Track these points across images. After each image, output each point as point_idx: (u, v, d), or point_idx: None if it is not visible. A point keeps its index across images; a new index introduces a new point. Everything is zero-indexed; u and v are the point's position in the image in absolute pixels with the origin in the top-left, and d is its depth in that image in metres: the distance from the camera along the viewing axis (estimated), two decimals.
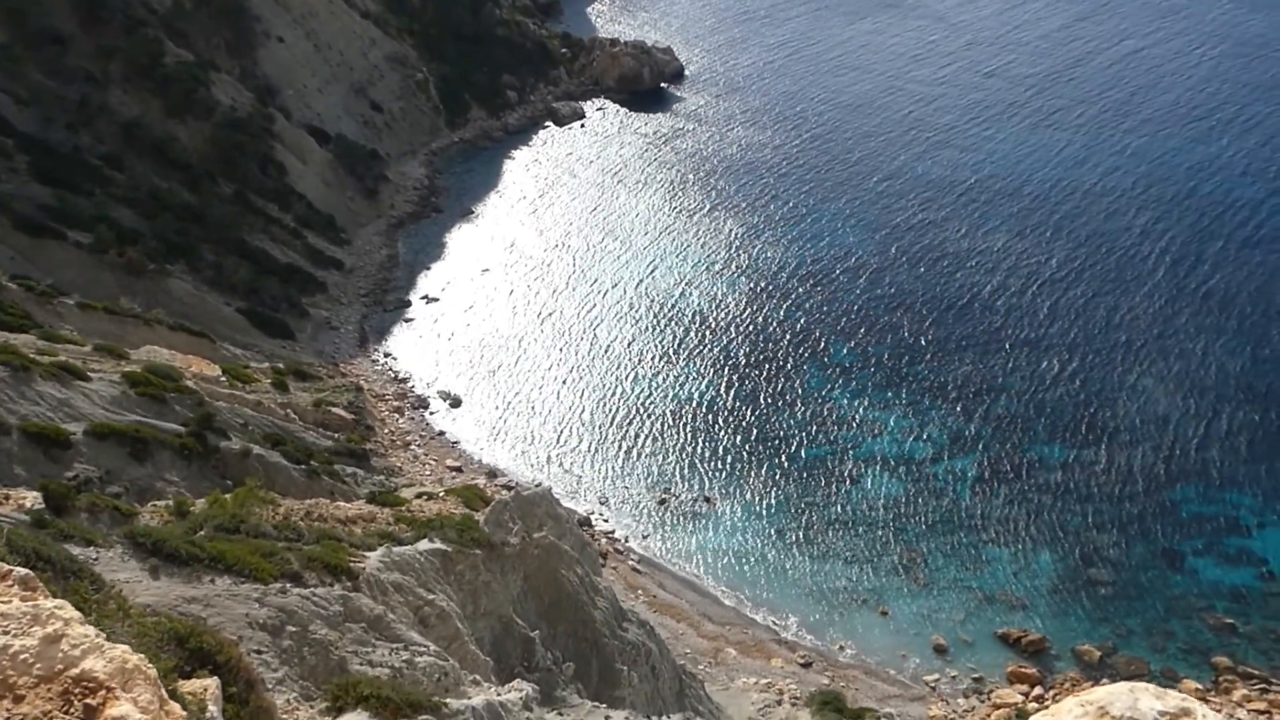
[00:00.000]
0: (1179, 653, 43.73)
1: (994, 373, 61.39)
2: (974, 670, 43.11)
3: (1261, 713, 39.18)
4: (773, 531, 51.18)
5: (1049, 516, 51.02)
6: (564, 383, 62.75)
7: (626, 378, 62.87)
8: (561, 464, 56.37)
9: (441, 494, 37.58)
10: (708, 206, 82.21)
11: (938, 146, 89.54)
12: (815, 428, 57.87)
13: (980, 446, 55.82)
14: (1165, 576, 47.55)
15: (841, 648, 44.49)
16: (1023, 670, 42.56)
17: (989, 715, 39.06)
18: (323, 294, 69.00)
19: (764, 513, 52.35)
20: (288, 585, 22.33)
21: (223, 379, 45.34)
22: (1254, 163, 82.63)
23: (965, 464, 54.74)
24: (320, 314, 67.14)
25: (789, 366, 62.91)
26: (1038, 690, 41.57)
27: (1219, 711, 39.25)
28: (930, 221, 77.87)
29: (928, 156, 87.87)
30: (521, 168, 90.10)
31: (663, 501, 53.23)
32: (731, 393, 60.95)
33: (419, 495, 37.15)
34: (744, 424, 58.42)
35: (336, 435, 49.18)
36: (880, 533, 50.73)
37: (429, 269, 74.56)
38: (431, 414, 59.83)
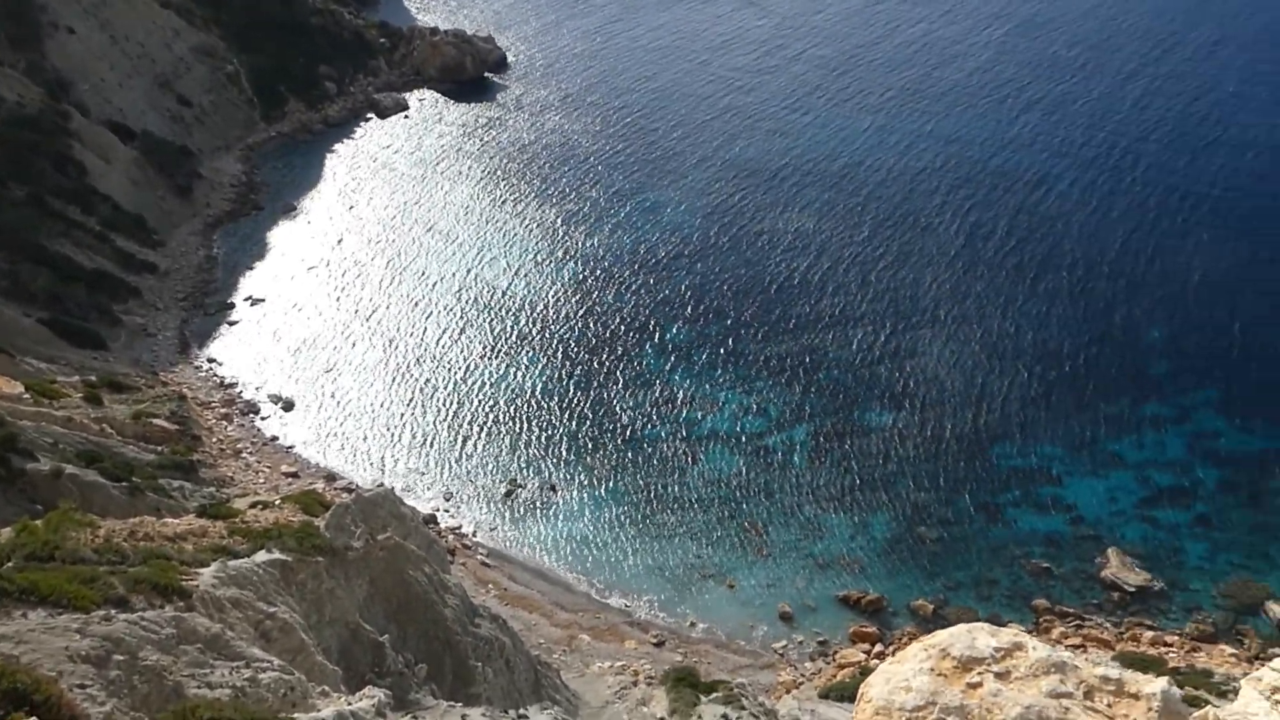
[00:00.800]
0: (1003, 599, 46.80)
1: (817, 346, 63.76)
2: (819, 634, 44.91)
3: (1077, 647, 42.44)
4: (618, 515, 51.75)
5: (878, 480, 53.56)
6: (398, 379, 61.44)
7: (460, 371, 62.11)
8: (402, 462, 55.26)
9: (278, 502, 36.23)
10: (533, 195, 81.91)
11: (750, 129, 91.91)
12: (653, 409, 58.77)
13: (810, 418, 57.98)
14: (986, 529, 50.74)
15: (692, 624, 45.50)
16: (863, 629, 44.64)
17: (835, 675, 40.80)
18: (136, 300, 65.03)
19: (608, 497, 52.85)
20: (112, 612, 21.02)
21: (26, 396, 42.20)
22: (1040, 135, 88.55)
23: (798, 435, 56.76)
24: (135, 321, 63.28)
25: (623, 350, 63.58)
26: (879, 648, 43.69)
27: None
28: (747, 203, 79.95)
29: (742, 139, 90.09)
30: (344, 161, 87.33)
31: (508, 493, 52.95)
32: (568, 379, 61.13)
33: (254, 505, 35.66)
34: (582, 410, 58.72)
35: (160, 448, 46.62)
36: (722, 508, 52.07)
37: (251, 268, 71.42)
38: (263, 419, 57.45)
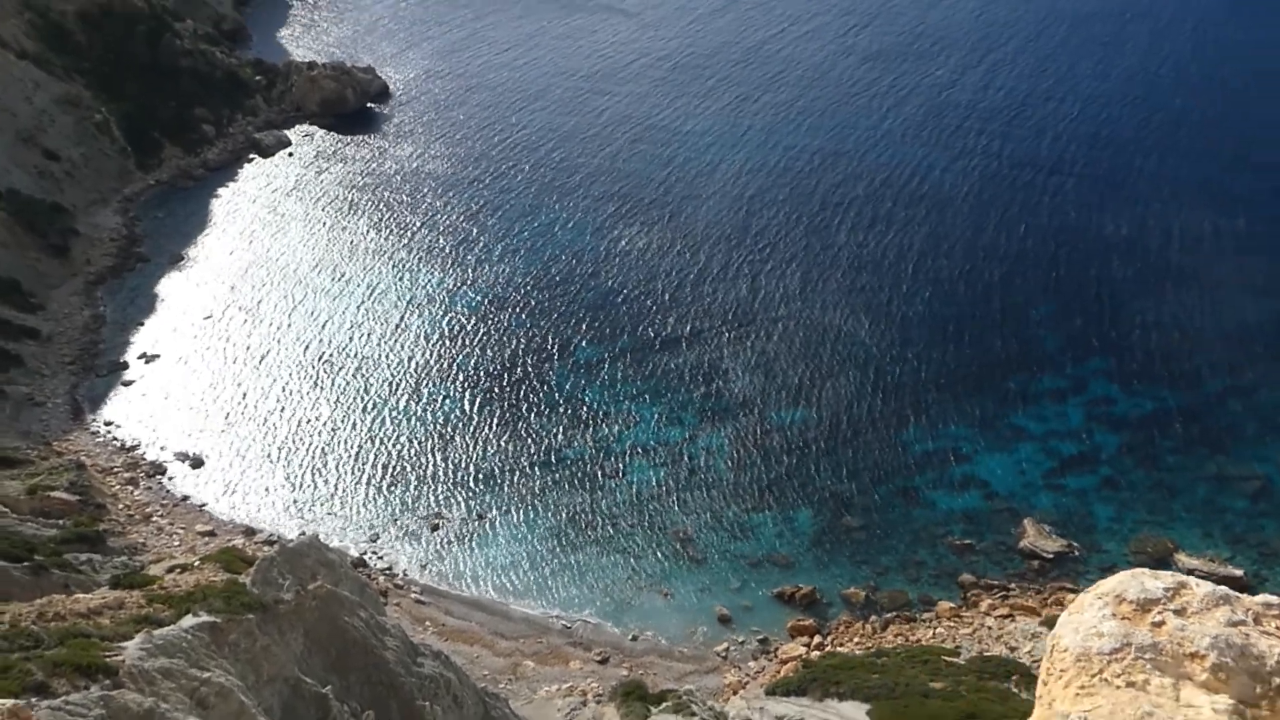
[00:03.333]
0: (930, 578, 48.08)
1: (720, 350, 64.49)
2: (758, 632, 45.42)
3: (1005, 616, 43.88)
4: (548, 537, 51.49)
5: (797, 476, 54.49)
6: (306, 423, 59.96)
7: (370, 409, 60.95)
8: (323, 508, 53.96)
9: (197, 563, 35.08)
10: (423, 224, 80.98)
11: (633, 139, 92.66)
12: (569, 428, 58.67)
13: (725, 423, 58.65)
14: (907, 513, 52.08)
15: (634, 636, 45.52)
16: (801, 623, 45.31)
17: (779, 671, 41.29)
18: (18, 368, 62.03)
19: (536, 520, 52.55)
20: (34, 700, 20.10)
21: None
22: (912, 128, 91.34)
23: (714, 441, 57.35)
24: (19, 390, 60.35)
25: (534, 373, 63.34)
26: (817, 639, 44.41)
27: (970, 625, 43.64)
28: (634, 214, 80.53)
29: (625, 151, 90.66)
30: (229, 205, 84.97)
31: (435, 527, 52.18)
32: (479, 407, 60.58)
33: (171, 569, 34.44)
34: (498, 436, 58.27)
35: (61, 521, 44.57)
36: (649, 519, 52.27)
37: (142, 324, 68.85)
38: (170, 479, 55.40)
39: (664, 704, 32.90)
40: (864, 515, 51.97)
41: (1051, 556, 47.64)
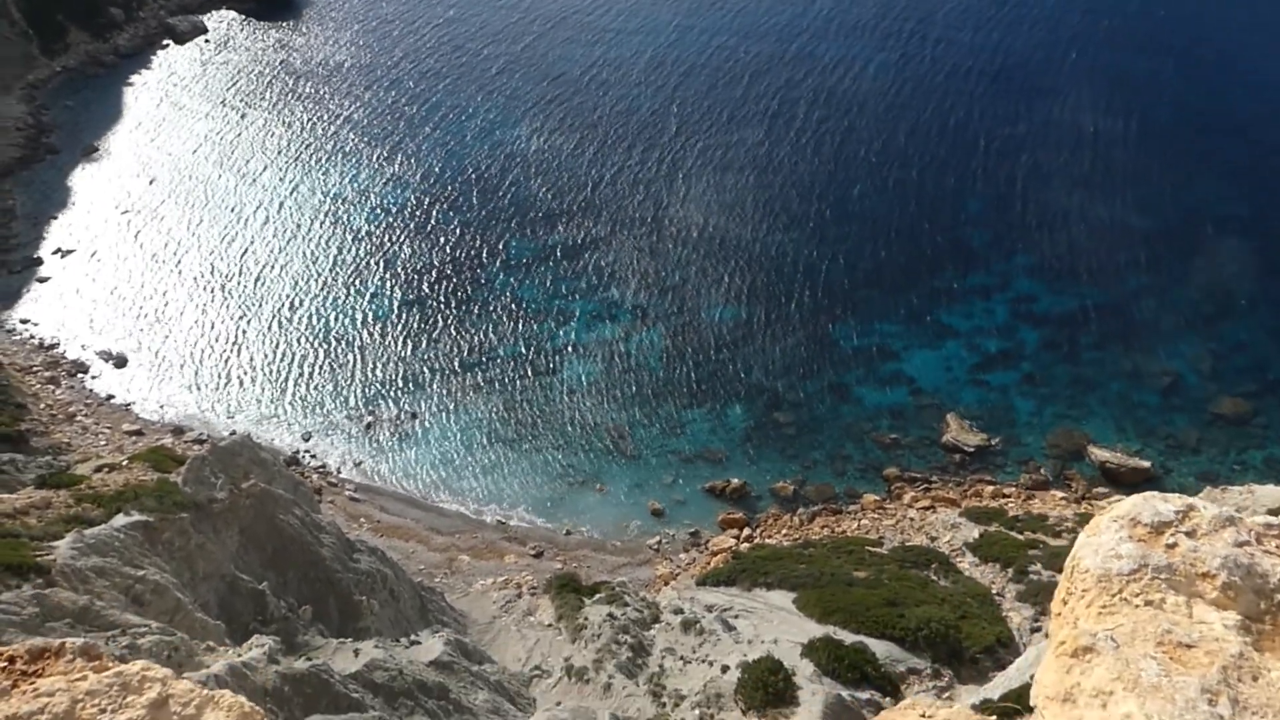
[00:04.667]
0: (856, 472, 49.59)
1: (654, 246, 64.20)
2: (689, 525, 46.62)
3: (926, 508, 45.62)
4: (484, 434, 51.77)
5: (731, 373, 55.28)
6: (232, 321, 58.80)
7: (301, 306, 59.91)
8: (253, 407, 53.39)
9: (125, 462, 34.67)
10: (346, 118, 78.47)
11: (559, 32, 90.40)
12: (504, 325, 58.50)
13: (660, 319, 58.95)
14: (836, 408, 53.32)
15: (568, 531, 46.42)
16: (731, 516, 46.59)
17: (709, 562, 42.59)
18: None
19: (471, 417, 52.72)
20: None
21: None
22: (834, 20, 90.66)
23: (650, 337, 57.73)
24: None
25: (464, 271, 62.65)
26: (746, 531, 45.78)
27: (893, 516, 45.30)
28: (563, 107, 79.05)
29: (555, 43, 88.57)
30: (143, 94, 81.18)
31: (368, 426, 52.07)
32: (412, 306, 59.95)
33: (99, 469, 34.02)
34: (433, 335, 57.87)
35: None
36: (585, 415, 52.78)
37: (56, 218, 66.20)
38: (94, 378, 54.16)
39: (597, 595, 33.82)
40: (794, 411, 53.07)
41: (973, 450, 49.35)
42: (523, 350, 56.85)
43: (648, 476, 49.41)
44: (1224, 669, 5.05)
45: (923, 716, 6.39)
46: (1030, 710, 6.17)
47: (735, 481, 48.42)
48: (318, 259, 63.72)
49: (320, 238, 65.52)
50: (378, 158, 73.63)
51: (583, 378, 55.07)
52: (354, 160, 73.46)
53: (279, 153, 74.25)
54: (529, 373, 55.38)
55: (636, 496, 48.34)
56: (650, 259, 63.41)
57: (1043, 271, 61.53)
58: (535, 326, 58.43)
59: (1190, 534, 5.81)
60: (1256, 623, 5.45)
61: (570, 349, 57.01)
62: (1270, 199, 64.97)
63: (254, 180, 71.12)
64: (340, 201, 69.04)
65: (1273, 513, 36.51)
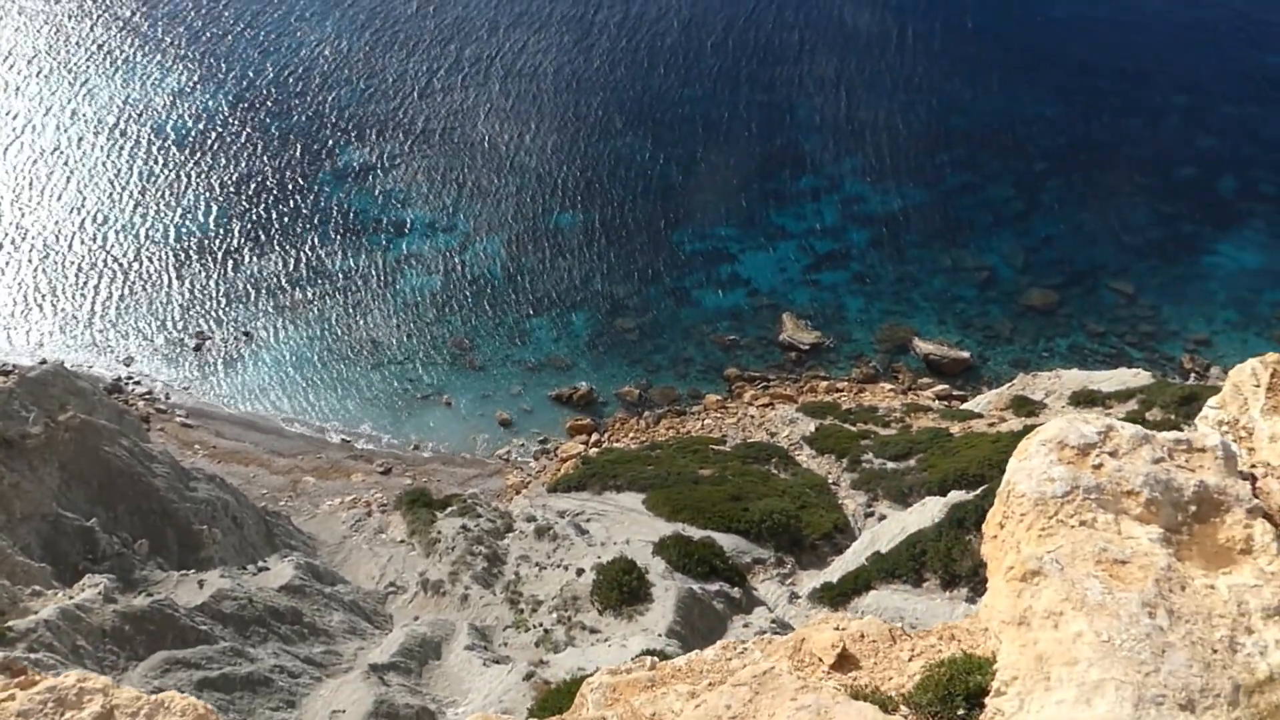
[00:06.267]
0: (698, 374, 50.80)
1: (491, 154, 62.77)
2: (538, 433, 46.89)
3: (766, 405, 47.32)
4: (322, 351, 50.18)
5: (574, 280, 55.20)
6: (35, 238, 54.32)
7: (105, 222, 55.84)
8: (66, 333, 49.83)
9: None
10: (149, 13, 72.53)
11: None
12: (339, 236, 56.35)
13: (499, 228, 58.00)
14: (677, 311, 54.18)
15: (416, 446, 45.91)
16: (579, 422, 47.10)
17: (559, 469, 43.08)
18: None
19: (309, 334, 50.93)
20: None
21: None
22: None
23: (490, 247, 56.81)
24: None
25: (291, 178, 59.68)
26: (595, 436, 46.43)
27: (735, 415, 46.83)
28: (388, 5, 75.63)
29: None
30: None
31: (198, 346, 49.54)
32: (237, 216, 56.88)
33: None
34: (261, 246, 55.21)
35: None
36: (427, 328, 51.84)
37: None
38: None
39: (449, 508, 33.76)
40: (636, 316, 53.62)
41: (808, 347, 51.28)
42: (356, 263, 54.98)
43: (494, 387, 49.19)
44: (1157, 582, 5.51)
45: (836, 629, 6.72)
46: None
47: (582, 388, 48.82)
48: (121, 171, 59.26)
49: (123, 148, 60.80)
50: (185, 59, 68.42)
51: (421, 290, 53.87)
52: (157, 62, 68.02)
53: (70, 53, 67.92)
54: (365, 286, 53.71)
55: (484, 407, 48.13)
56: (483, 166, 61.94)
57: (869, 173, 63.49)
58: (368, 238, 56.49)
59: (1113, 454, 6.21)
60: (1175, 534, 5.93)
61: (406, 260, 55.51)
62: (1075, 100, 68.72)
63: (43, 82, 64.98)
64: (143, 108, 64.01)
65: (1077, 395, 39.49)
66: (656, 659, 7.47)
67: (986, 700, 5.55)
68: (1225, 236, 58.55)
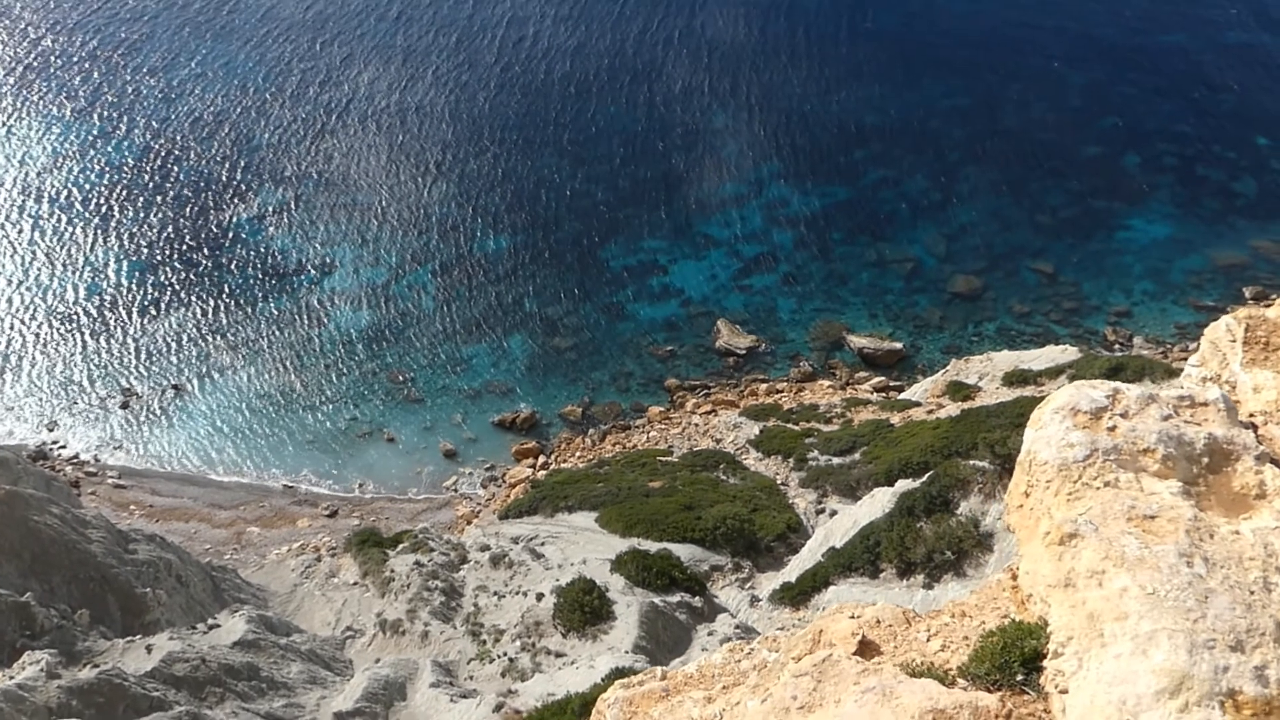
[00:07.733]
0: (639, 387, 50.83)
1: (410, 183, 62.18)
2: (484, 461, 46.44)
3: (708, 412, 47.52)
4: (255, 397, 49.13)
5: (506, 304, 54.92)
6: None
7: (12, 283, 54.19)
8: None
9: None
10: (31, 65, 70.68)
11: None
12: (263, 278, 55.35)
13: (427, 258, 57.49)
14: (613, 327, 54.20)
15: (360, 485, 45.15)
16: (524, 446, 46.77)
17: (509, 495, 42.69)
18: None
19: (240, 381, 49.86)
20: None
21: None
22: None
23: (420, 278, 56.30)
24: None
25: (203, 224, 58.48)
26: (542, 459, 46.14)
27: (679, 425, 46.92)
28: (288, 43, 74.75)
29: None
30: None
31: (125, 404, 48.13)
32: (150, 268, 55.47)
33: None
34: (178, 296, 53.95)
35: None
36: (363, 364, 51.12)
37: None
38: None
39: (401, 545, 33.18)
40: (573, 335, 53.53)
41: (744, 352, 51.65)
42: (281, 306, 54.01)
43: (435, 418, 48.65)
44: (1188, 533, 5.68)
45: (853, 617, 6.78)
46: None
47: (524, 411, 48.54)
48: (23, 230, 57.46)
49: (25, 208, 59.00)
50: (84, 114, 66.64)
51: (350, 327, 53.13)
52: (56, 117, 66.15)
53: None
54: (292, 328, 52.80)
55: (426, 440, 47.55)
56: (403, 199, 61.34)
57: (788, 175, 64.31)
58: (290, 280, 55.56)
59: (1124, 415, 6.37)
60: (1193, 486, 6.14)
61: (332, 299, 54.71)
62: (980, 91, 70.48)
63: None
64: (45, 164, 62.19)
65: (1009, 376, 40.24)
66: (664, 669, 7.55)
67: (1045, 663, 5.65)
68: (1135, 211, 60.49)
